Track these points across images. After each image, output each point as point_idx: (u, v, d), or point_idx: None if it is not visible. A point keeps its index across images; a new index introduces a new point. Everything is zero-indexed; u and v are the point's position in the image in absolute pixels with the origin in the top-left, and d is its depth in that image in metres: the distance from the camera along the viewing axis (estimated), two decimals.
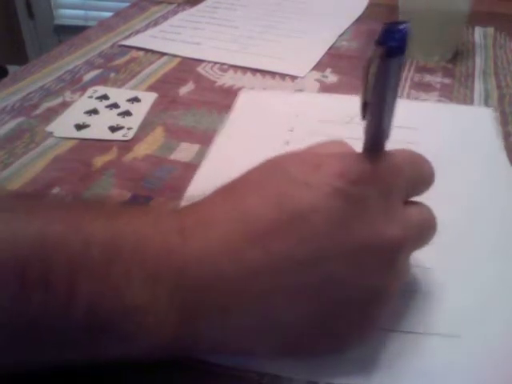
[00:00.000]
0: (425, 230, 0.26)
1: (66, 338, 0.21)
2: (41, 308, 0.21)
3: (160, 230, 0.23)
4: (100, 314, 0.21)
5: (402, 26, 0.20)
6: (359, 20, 0.70)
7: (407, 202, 0.26)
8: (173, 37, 0.65)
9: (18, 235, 0.21)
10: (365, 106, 0.22)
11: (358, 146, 0.24)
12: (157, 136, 0.44)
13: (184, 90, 0.52)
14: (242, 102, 0.50)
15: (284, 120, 0.46)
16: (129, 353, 0.23)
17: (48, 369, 0.22)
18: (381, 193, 0.23)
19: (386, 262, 0.23)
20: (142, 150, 0.43)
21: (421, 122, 0.45)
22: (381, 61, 0.20)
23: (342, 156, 0.24)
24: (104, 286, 0.21)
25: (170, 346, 0.23)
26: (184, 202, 0.34)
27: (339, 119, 0.45)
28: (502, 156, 0.41)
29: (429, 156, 0.27)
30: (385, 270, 0.23)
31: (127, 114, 0.48)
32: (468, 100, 0.50)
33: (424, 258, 0.30)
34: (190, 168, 0.40)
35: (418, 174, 0.26)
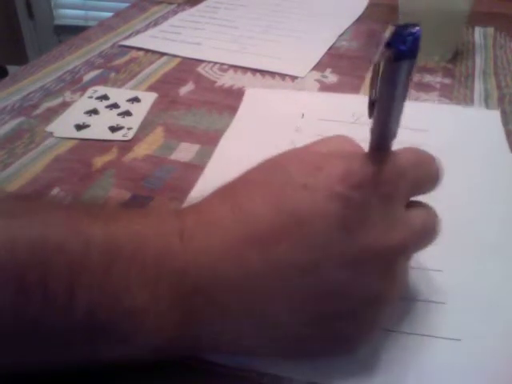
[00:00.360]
0: (427, 232, 0.26)
1: (65, 338, 0.21)
2: (40, 309, 0.21)
3: (160, 231, 0.23)
4: (100, 316, 0.21)
5: (414, 30, 0.19)
6: (359, 20, 0.70)
7: (410, 204, 0.25)
8: (173, 37, 0.65)
9: (18, 238, 0.21)
10: (372, 105, 0.22)
11: (365, 146, 0.24)
12: (157, 136, 0.44)
13: (184, 89, 0.52)
14: (247, 101, 0.49)
15: (290, 120, 0.46)
16: (129, 353, 0.23)
17: (48, 369, 0.22)
18: (382, 197, 0.23)
19: (386, 265, 0.23)
20: (142, 150, 0.43)
21: (430, 124, 0.45)
22: (389, 64, 0.19)
23: (344, 157, 0.24)
24: (104, 288, 0.21)
25: (170, 347, 0.23)
26: (186, 204, 0.34)
27: (346, 119, 0.44)
28: (510, 157, 0.40)
29: (437, 156, 0.26)
30: (384, 273, 0.23)
31: (127, 114, 0.48)
32: (468, 100, 0.50)
33: (426, 260, 0.30)
34: (190, 168, 0.40)
35: (423, 174, 0.26)
